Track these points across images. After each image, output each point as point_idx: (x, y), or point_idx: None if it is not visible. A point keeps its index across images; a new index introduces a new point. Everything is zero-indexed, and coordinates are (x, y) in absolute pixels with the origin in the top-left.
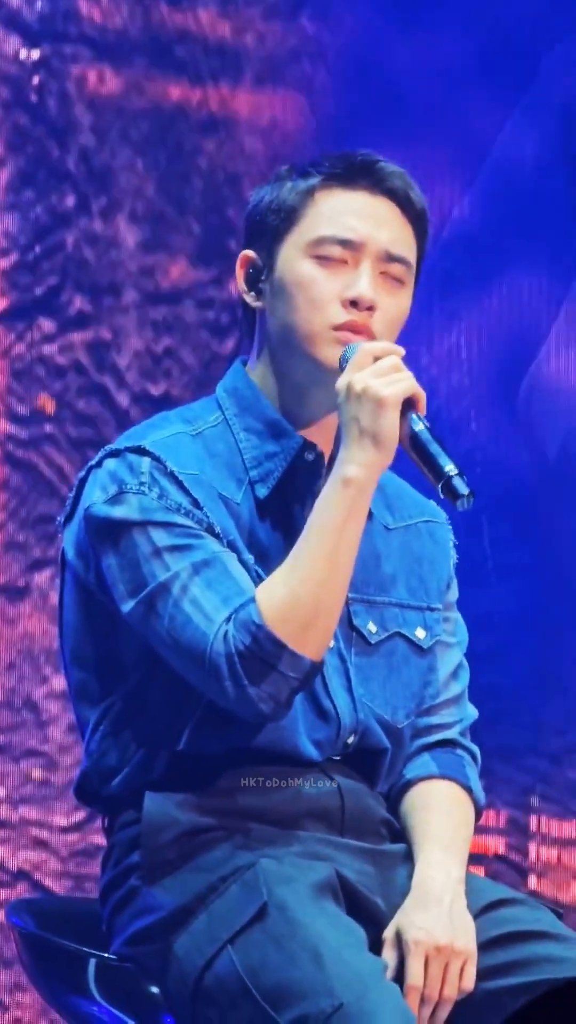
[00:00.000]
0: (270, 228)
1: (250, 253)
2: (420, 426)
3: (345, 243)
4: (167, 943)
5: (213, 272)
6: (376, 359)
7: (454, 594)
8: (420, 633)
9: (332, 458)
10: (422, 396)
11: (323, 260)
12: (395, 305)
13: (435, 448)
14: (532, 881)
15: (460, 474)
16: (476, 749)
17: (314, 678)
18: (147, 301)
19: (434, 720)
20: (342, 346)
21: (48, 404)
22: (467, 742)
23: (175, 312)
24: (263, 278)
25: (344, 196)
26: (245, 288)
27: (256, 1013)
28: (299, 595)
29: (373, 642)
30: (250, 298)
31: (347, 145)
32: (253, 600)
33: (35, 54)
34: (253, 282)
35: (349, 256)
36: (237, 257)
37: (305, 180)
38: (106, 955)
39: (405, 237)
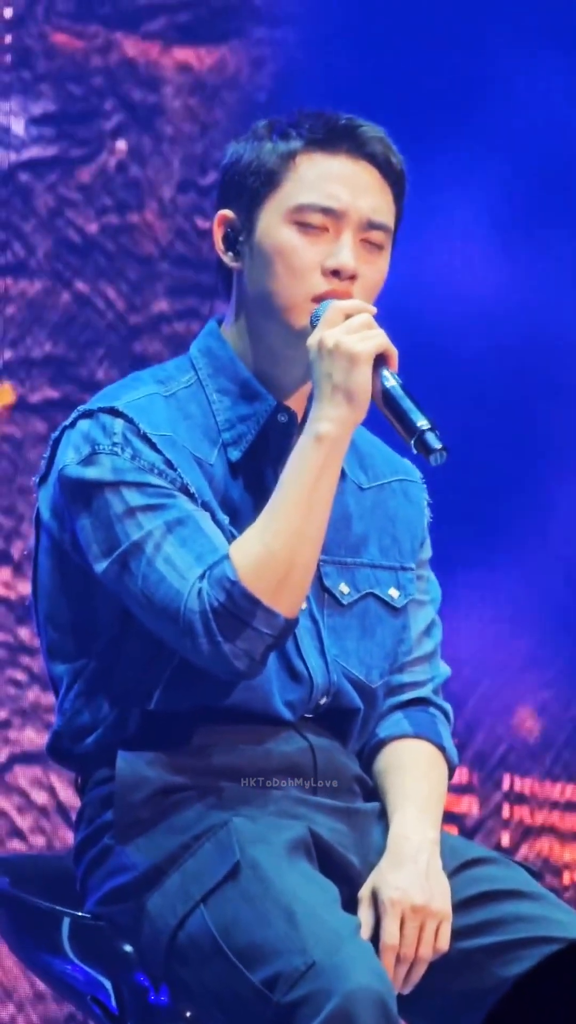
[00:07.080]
0: (249, 190)
1: (228, 213)
2: (392, 382)
3: (327, 211)
4: (140, 902)
5: None
6: (347, 316)
7: (427, 553)
8: (393, 593)
9: (305, 420)
10: (394, 353)
11: (304, 227)
12: (374, 272)
13: (407, 403)
14: (505, 839)
15: (433, 428)
16: (448, 707)
17: (289, 635)
18: None
19: (406, 678)
20: None
21: None
22: (439, 700)
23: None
24: (241, 239)
25: (325, 162)
26: (222, 248)
27: (229, 972)
28: (273, 551)
29: (345, 603)
30: (228, 258)
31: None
32: (227, 557)
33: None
34: (231, 242)
35: (330, 224)
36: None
37: (286, 143)
38: (79, 914)
39: (385, 202)
